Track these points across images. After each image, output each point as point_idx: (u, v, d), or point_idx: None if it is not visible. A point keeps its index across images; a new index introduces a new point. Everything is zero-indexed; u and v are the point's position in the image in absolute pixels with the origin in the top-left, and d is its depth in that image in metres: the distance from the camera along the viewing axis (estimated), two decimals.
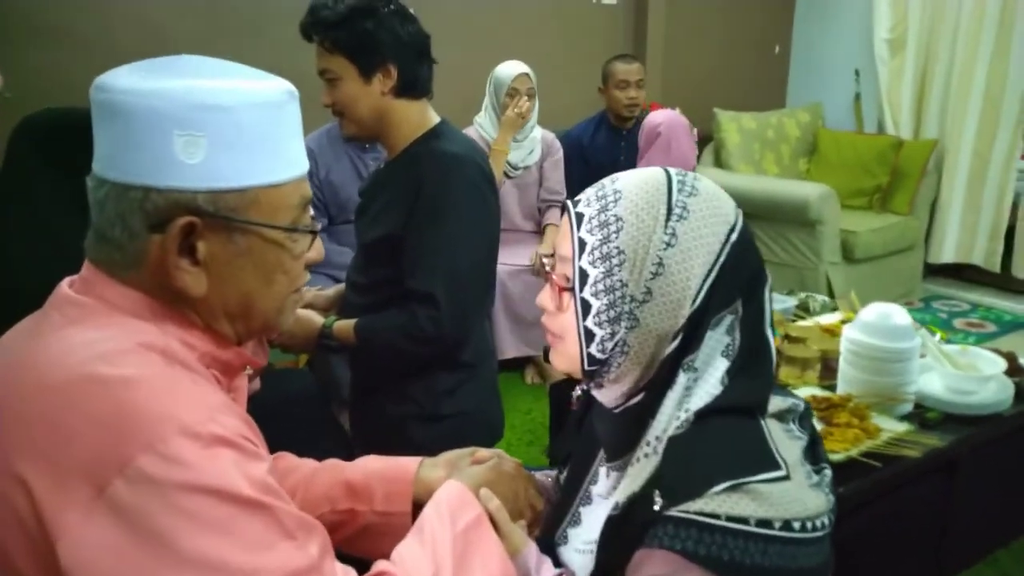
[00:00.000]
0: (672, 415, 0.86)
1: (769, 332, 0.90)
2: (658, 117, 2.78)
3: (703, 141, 4.32)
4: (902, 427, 1.73)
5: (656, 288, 0.85)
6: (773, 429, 0.90)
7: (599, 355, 0.88)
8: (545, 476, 1.19)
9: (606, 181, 0.92)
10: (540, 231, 3.51)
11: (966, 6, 4.37)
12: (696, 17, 4.71)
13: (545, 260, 0.97)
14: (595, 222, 0.88)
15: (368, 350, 1.60)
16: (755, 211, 3.98)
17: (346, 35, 1.48)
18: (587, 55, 4.20)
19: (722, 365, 0.86)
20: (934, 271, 4.71)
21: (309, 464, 1.11)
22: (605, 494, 0.97)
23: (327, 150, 2.85)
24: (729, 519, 0.79)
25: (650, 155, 2.77)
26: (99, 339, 0.73)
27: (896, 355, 1.77)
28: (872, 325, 1.80)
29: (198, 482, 0.66)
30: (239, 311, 0.82)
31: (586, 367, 0.90)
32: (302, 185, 0.83)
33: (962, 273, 4.73)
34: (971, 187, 4.45)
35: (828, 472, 0.92)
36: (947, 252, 4.57)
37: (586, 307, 0.87)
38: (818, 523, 0.82)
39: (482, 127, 3.34)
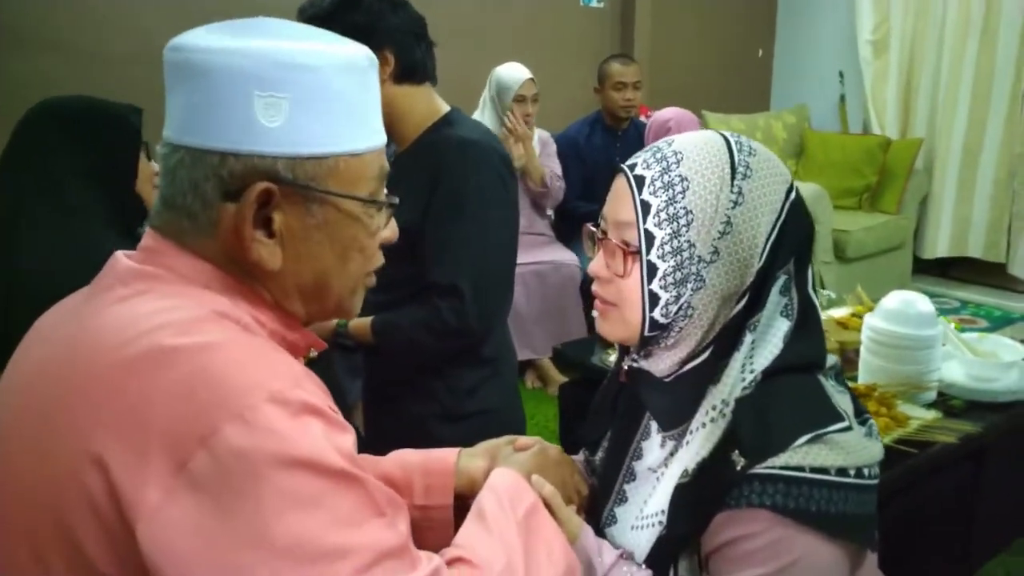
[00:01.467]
0: (738, 377, 0.87)
1: (813, 293, 0.91)
2: (667, 113, 2.79)
3: None
4: (930, 414, 1.71)
5: (724, 247, 0.85)
6: (826, 384, 0.91)
7: (662, 319, 0.87)
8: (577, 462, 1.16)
9: (660, 144, 0.91)
10: (541, 233, 3.48)
11: (951, 4, 4.43)
12: (681, 21, 4.74)
13: (592, 228, 0.94)
14: (658, 183, 0.86)
15: (387, 347, 1.54)
16: None
17: (337, 29, 1.45)
18: (575, 57, 4.20)
19: (783, 325, 0.88)
20: (922, 269, 4.75)
21: None
22: (656, 465, 0.95)
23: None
24: (812, 470, 0.80)
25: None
26: (170, 307, 0.67)
27: (920, 342, 1.75)
28: (895, 313, 1.78)
29: (290, 453, 0.60)
30: (313, 289, 0.77)
31: (646, 332, 0.89)
32: (381, 156, 0.79)
33: (949, 271, 4.78)
34: (963, 183, 4.50)
35: (873, 423, 0.93)
36: (941, 246, 4.62)
37: (652, 270, 0.86)
38: (876, 471, 0.86)
39: None
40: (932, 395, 1.79)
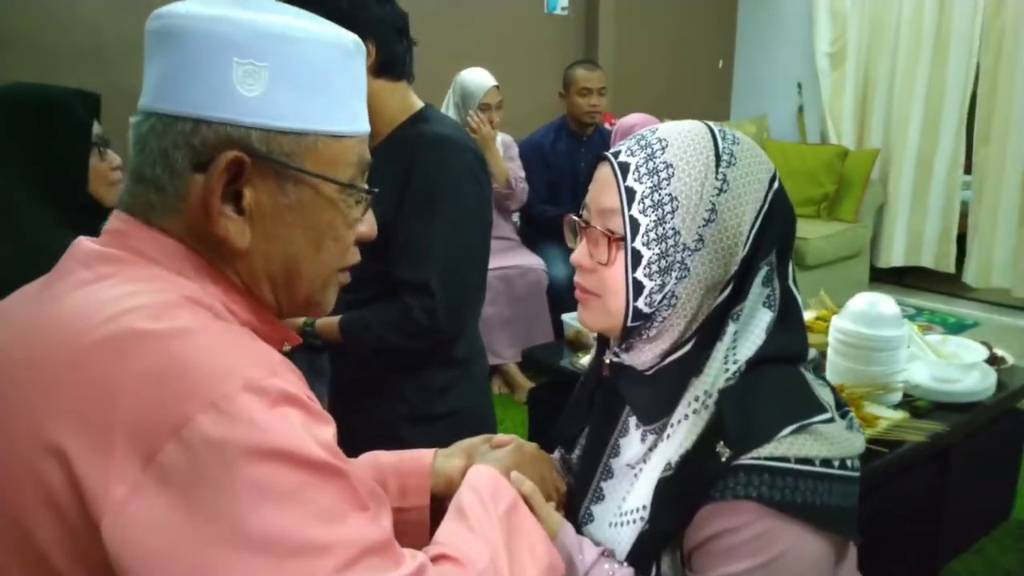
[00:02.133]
0: (721, 368, 0.86)
1: (793, 285, 0.91)
2: (632, 119, 2.81)
3: None
4: (898, 415, 1.73)
5: (708, 235, 0.84)
6: (809, 377, 0.90)
7: (645, 308, 0.86)
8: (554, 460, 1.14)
9: (644, 132, 0.90)
10: (507, 237, 3.46)
11: (904, 19, 4.55)
12: (645, 30, 4.78)
13: (575, 217, 0.92)
14: (643, 170, 0.85)
15: (355, 347, 1.50)
16: None
17: (321, 12, 1.41)
18: (540, 64, 4.20)
19: (766, 316, 0.87)
20: (877, 277, 4.84)
21: None
22: (635, 461, 0.94)
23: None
24: (798, 460, 0.79)
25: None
26: (137, 292, 0.63)
27: (886, 343, 1.78)
28: (861, 314, 1.80)
29: (267, 443, 0.57)
30: (283, 276, 0.73)
31: (629, 322, 0.87)
32: (363, 146, 0.76)
33: (904, 279, 4.89)
34: (916, 193, 4.61)
35: (853, 416, 0.92)
36: (896, 256, 4.72)
37: (636, 258, 0.85)
38: (857, 463, 0.84)
39: None
40: (898, 396, 1.81)
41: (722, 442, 0.82)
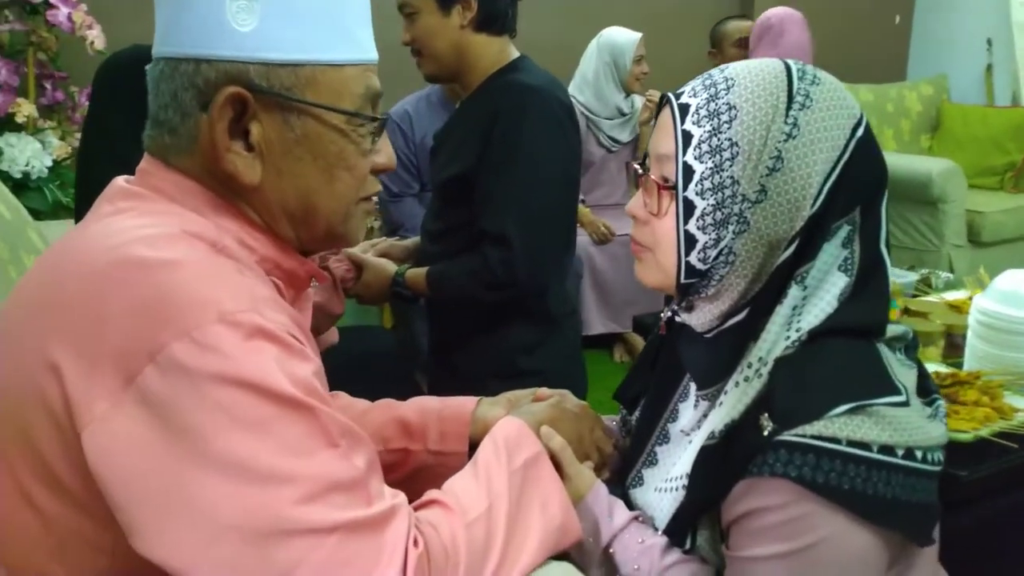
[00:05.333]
0: (780, 334, 0.78)
1: (885, 250, 0.81)
2: (772, 11, 2.60)
3: None
4: None
5: (772, 186, 0.76)
6: (886, 354, 0.81)
7: (699, 265, 0.79)
8: (610, 420, 1.10)
9: (714, 71, 0.82)
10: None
11: None
12: None
13: (636, 165, 0.86)
14: (703, 112, 0.78)
15: (440, 298, 1.52)
16: None
17: None
18: (695, 17, 3.98)
19: (840, 281, 0.78)
20: None
21: (363, 403, 1.05)
22: (689, 428, 0.89)
23: (425, 115, 2.80)
24: (851, 443, 0.72)
25: (760, 49, 2.58)
26: (144, 224, 0.68)
27: None
28: (1008, 294, 1.59)
29: (235, 374, 0.60)
30: (299, 211, 0.75)
31: (683, 279, 0.81)
32: (369, 75, 0.75)
33: None
34: None
35: (942, 405, 0.83)
36: None
37: (689, 208, 0.78)
38: (936, 456, 0.76)
39: (579, 99, 3.19)
40: None
41: (767, 414, 0.75)
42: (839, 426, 0.72)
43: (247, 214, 0.74)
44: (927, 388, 0.85)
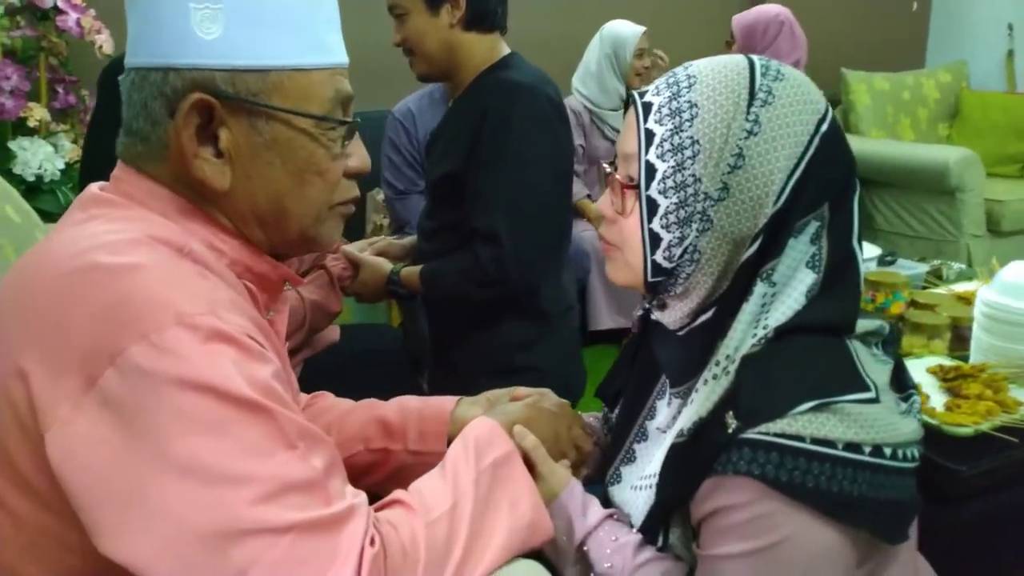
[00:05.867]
0: (747, 331, 0.77)
1: (857, 246, 0.80)
2: (770, 9, 2.61)
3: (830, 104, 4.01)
4: None
5: (734, 183, 0.76)
6: (858, 350, 0.80)
7: (665, 263, 0.79)
8: (593, 418, 1.11)
9: (678, 68, 0.82)
10: None
11: None
12: None
13: (606, 164, 0.86)
14: (665, 111, 0.78)
15: (434, 296, 1.53)
16: (888, 179, 3.70)
17: None
18: (704, 10, 3.94)
19: (807, 278, 0.77)
20: None
21: (346, 403, 1.06)
22: (665, 426, 0.88)
23: (428, 112, 2.81)
24: (814, 441, 0.71)
25: (777, 44, 2.58)
26: (111, 230, 0.69)
27: None
28: (1013, 285, 1.56)
29: (192, 377, 0.61)
30: (270, 215, 0.76)
31: (649, 278, 0.81)
32: (338, 79, 0.76)
33: None
34: None
35: (917, 400, 0.82)
36: None
37: (652, 207, 0.78)
38: (909, 452, 0.75)
39: (582, 92, 3.18)
40: None
41: (731, 412, 0.74)
42: (803, 424, 0.71)
43: (217, 219, 0.75)
44: (904, 383, 0.84)
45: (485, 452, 0.80)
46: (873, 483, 0.72)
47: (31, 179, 2.31)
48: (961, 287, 2.09)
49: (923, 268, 2.23)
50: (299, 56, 0.72)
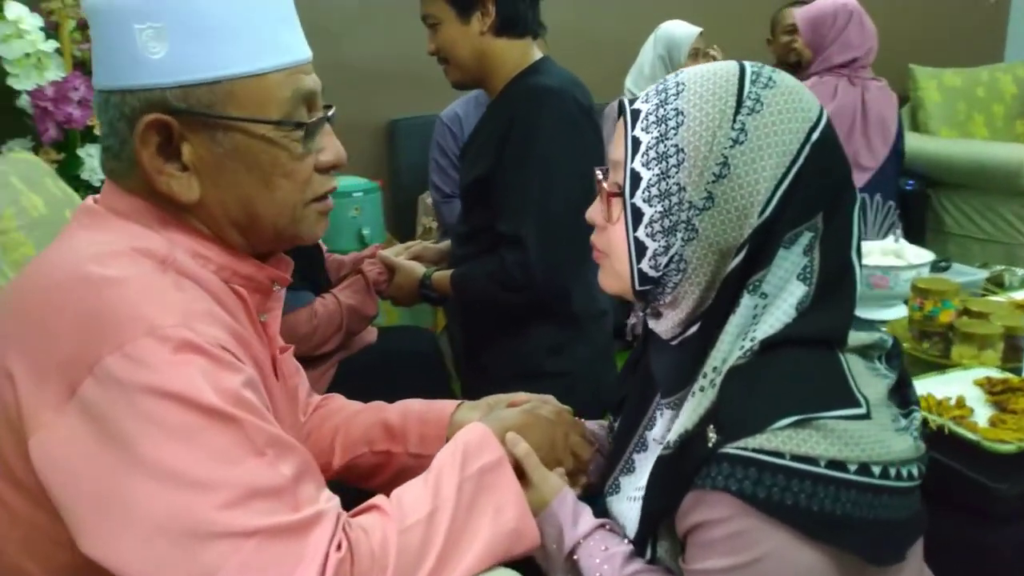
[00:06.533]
0: (734, 344, 0.76)
1: (855, 257, 0.78)
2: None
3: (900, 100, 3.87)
4: None
5: (719, 193, 0.75)
6: (854, 364, 0.78)
7: (651, 272, 0.79)
8: (598, 426, 1.10)
9: (669, 76, 0.81)
10: None
11: None
12: None
13: (598, 171, 0.86)
14: (652, 118, 0.78)
15: (464, 300, 1.55)
16: (958, 179, 3.56)
17: None
18: (757, 6, 3.85)
19: (797, 290, 0.76)
20: None
21: (355, 405, 1.08)
22: (660, 437, 0.88)
23: (473, 116, 2.83)
24: (795, 458, 0.69)
25: (847, 34, 2.52)
26: (98, 242, 0.72)
27: None
28: None
29: (161, 386, 0.63)
30: (244, 220, 0.78)
31: (637, 286, 0.80)
32: (297, 77, 0.76)
33: None
34: None
35: (918, 416, 0.78)
36: None
37: (637, 215, 0.78)
38: (904, 471, 0.72)
39: (634, 92, 3.15)
40: None
41: (712, 425, 0.73)
42: (782, 439, 0.70)
43: (196, 227, 0.77)
44: (905, 398, 0.81)
45: (473, 458, 0.81)
46: (859, 502, 0.69)
47: (97, 184, 2.44)
48: (1020, 295, 1.99)
49: (981, 275, 2.13)
50: (249, 62, 0.72)
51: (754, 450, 0.70)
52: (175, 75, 0.71)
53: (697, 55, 3.07)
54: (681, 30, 3.10)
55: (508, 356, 1.56)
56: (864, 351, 0.82)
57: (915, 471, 0.73)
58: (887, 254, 1.94)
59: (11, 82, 2.45)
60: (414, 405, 1.04)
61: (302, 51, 0.77)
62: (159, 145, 0.72)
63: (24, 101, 2.45)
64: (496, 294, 1.46)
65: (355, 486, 1.03)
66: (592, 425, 1.08)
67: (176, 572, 0.62)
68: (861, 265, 0.79)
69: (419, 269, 1.63)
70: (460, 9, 1.46)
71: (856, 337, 0.81)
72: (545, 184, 1.39)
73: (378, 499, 0.77)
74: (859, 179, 2.46)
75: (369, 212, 3.12)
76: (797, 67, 3.20)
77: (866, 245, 1.98)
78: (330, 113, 0.81)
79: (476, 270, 1.51)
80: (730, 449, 0.71)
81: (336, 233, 3.08)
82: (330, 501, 0.70)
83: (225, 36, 0.71)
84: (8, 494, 0.69)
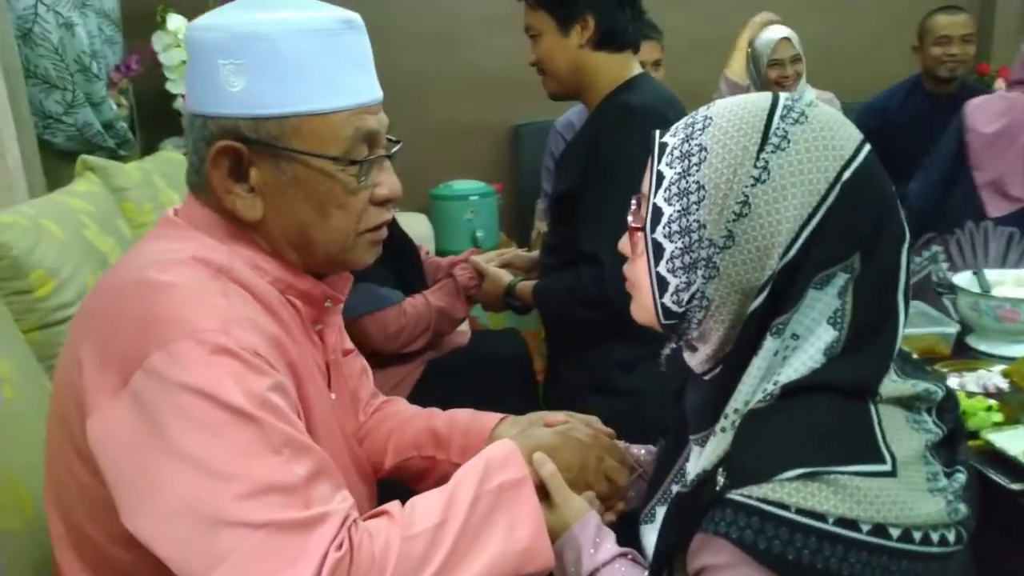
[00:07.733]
0: (757, 386, 0.74)
1: (901, 300, 0.74)
2: None
3: None
4: None
5: (739, 232, 0.73)
6: (890, 416, 0.73)
7: (674, 307, 0.78)
8: (646, 451, 1.08)
9: (701, 108, 0.80)
10: None
11: None
12: None
13: (633, 200, 0.86)
14: (676, 153, 0.77)
15: (543, 312, 1.57)
16: None
17: None
18: (902, 11, 3.59)
19: (826, 335, 0.73)
20: None
21: (412, 410, 1.13)
22: (693, 472, 0.85)
23: (572, 130, 2.82)
24: (801, 512, 0.66)
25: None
26: (166, 249, 0.81)
27: None
28: None
29: (195, 383, 0.71)
30: (299, 242, 0.85)
31: (663, 320, 0.80)
32: (361, 118, 0.83)
33: None
34: None
35: (961, 477, 0.73)
36: None
37: (658, 250, 0.77)
38: (934, 535, 0.67)
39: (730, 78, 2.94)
40: None
41: (722, 468, 0.72)
42: (788, 491, 0.66)
43: (258, 242, 0.85)
44: (952, 458, 0.75)
45: (494, 474, 0.83)
46: (870, 565, 0.65)
47: None
48: None
49: None
50: (316, 102, 0.79)
51: (758, 499, 0.67)
52: (249, 108, 0.79)
53: (781, 64, 2.78)
54: (763, 36, 2.82)
55: (583, 369, 1.58)
56: (908, 402, 0.76)
57: (950, 536, 0.68)
58: (1022, 284, 1.79)
59: (169, 86, 2.71)
60: (461, 415, 1.08)
61: (370, 93, 0.84)
62: (230, 168, 0.81)
63: (180, 104, 2.71)
64: (573, 309, 1.48)
65: (407, 487, 1.07)
66: (641, 450, 1.07)
67: (194, 554, 0.69)
68: (908, 308, 0.75)
69: (505, 277, 1.67)
70: (560, 21, 1.48)
71: (900, 387, 0.75)
72: (624, 202, 1.39)
73: (391, 505, 0.80)
74: (1002, 208, 2.20)
75: (484, 215, 3.20)
76: (949, 82, 2.95)
77: (998, 274, 1.82)
78: (393, 150, 0.88)
79: (555, 284, 1.53)
80: (735, 495, 0.69)
81: (451, 234, 3.19)
82: (343, 503, 0.75)
83: (297, 77, 0.79)
84: (76, 464, 0.79)
